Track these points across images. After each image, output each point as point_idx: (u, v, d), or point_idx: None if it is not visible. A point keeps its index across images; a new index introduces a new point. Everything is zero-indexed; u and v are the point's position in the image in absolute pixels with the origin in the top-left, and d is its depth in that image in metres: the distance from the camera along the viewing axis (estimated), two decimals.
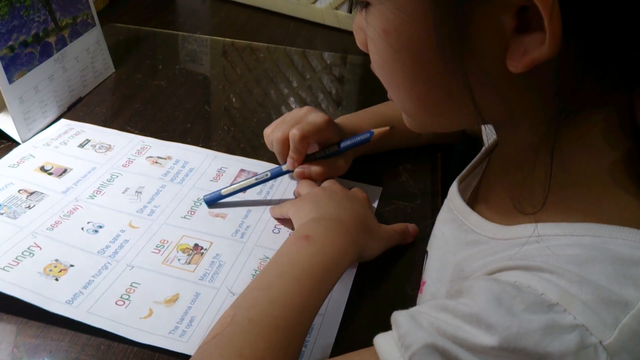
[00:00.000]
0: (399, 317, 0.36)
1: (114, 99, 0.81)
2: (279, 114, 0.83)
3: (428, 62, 0.36)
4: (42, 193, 0.61)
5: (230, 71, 0.94)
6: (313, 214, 0.55)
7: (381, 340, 0.36)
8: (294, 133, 0.61)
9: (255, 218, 0.61)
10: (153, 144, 0.71)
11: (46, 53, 0.72)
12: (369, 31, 0.39)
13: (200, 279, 0.53)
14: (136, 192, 0.63)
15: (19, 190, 0.60)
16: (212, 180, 0.66)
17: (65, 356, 0.45)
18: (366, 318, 0.51)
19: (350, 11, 1.07)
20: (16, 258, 0.52)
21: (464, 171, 0.51)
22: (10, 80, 0.66)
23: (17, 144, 0.68)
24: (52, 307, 0.48)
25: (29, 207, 0.58)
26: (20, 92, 0.68)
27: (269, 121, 0.80)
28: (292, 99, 0.87)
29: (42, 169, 0.65)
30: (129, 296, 0.50)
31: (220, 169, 0.68)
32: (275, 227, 0.60)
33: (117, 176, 0.65)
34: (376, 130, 0.62)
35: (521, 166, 0.40)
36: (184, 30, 1.05)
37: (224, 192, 0.62)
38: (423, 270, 0.53)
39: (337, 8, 1.08)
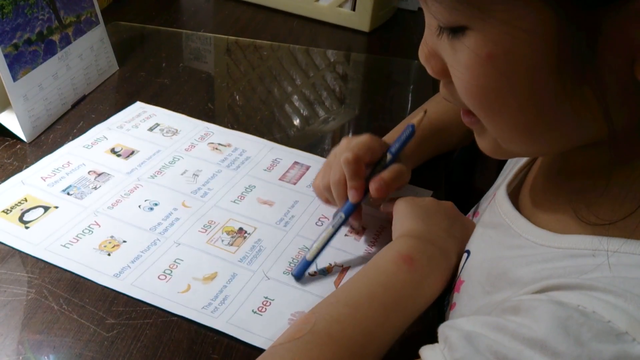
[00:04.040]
0: (453, 337, 0.34)
1: (118, 97, 0.81)
2: (282, 111, 0.83)
3: (544, 85, 0.33)
4: (109, 174, 0.65)
5: (233, 69, 0.95)
6: (419, 226, 0.51)
7: (429, 355, 0.35)
8: (346, 156, 0.54)
9: (301, 209, 0.63)
10: (216, 131, 0.74)
11: (50, 51, 0.72)
12: (463, 57, 0.35)
13: (239, 261, 0.55)
14: (193, 174, 0.66)
15: (88, 172, 0.65)
16: (265, 170, 0.68)
17: (69, 352, 0.46)
18: None
19: (353, 9, 1.07)
20: (76, 236, 0.56)
21: (512, 175, 0.50)
22: (15, 78, 0.66)
23: (22, 141, 0.68)
24: (101, 280, 0.52)
25: (95, 188, 0.63)
26: (25, 89, 0.68)
27: (272, 119, 0.80)
28: (295, 96, 0.87)
29: (112, 150, 0.69)
30: (172, 271, 0.53)
31: (275, 160, 0.70)
32: (319, 219, 0.61)
33: (179, 159, 0.69)
34: (414, 121, 0.56)
35: (591, 175, 0.38)
36: (187, 28, 1.05)
37: (308, 257, 0.54)
38: (461, 268, 0.50)
39: (340, 6, 1.08)
